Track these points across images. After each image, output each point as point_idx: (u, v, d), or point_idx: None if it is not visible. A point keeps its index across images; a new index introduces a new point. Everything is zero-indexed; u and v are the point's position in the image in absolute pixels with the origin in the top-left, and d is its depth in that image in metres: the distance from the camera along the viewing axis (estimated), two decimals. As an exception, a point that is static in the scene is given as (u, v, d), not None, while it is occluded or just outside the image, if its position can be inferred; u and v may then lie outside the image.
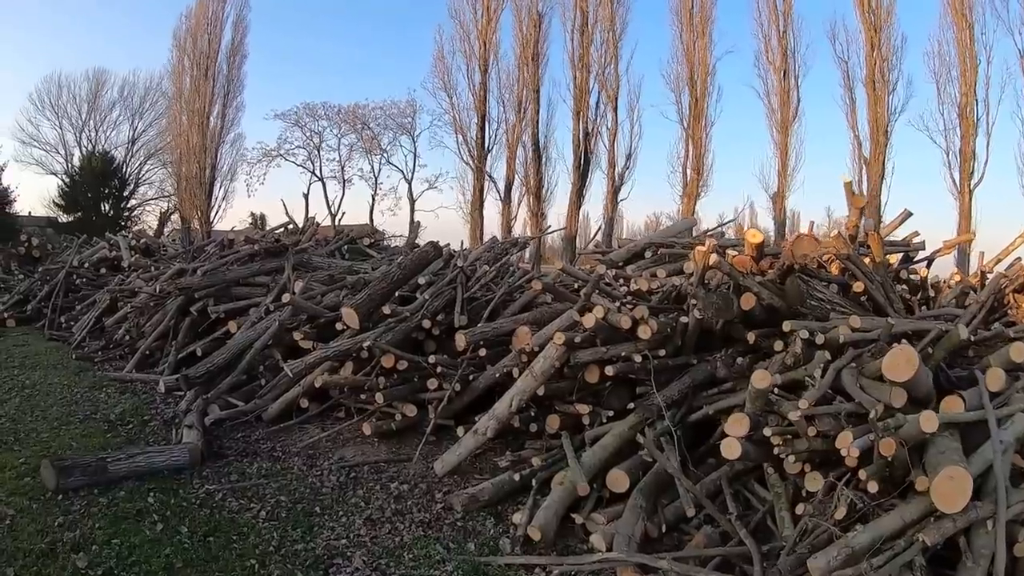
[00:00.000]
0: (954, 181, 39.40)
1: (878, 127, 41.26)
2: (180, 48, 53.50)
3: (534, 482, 6.73)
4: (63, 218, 52.29)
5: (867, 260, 8.95)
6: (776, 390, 6.14)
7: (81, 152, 57.78)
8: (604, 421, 7.43)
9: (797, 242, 9.15)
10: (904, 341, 6.44)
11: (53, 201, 54.88)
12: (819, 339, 6.67)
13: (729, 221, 14.55)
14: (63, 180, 55.79)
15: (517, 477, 6.82)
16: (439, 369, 8.59)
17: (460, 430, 8.03)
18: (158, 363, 11.85)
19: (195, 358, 11.38)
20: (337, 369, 9.14)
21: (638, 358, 7.19)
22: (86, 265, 17.92)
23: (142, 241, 18.77)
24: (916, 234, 11.88)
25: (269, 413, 9.27)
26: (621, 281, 9.77)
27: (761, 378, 5.82)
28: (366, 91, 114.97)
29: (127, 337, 12.82)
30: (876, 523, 4.87)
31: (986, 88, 38.68)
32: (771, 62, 45.03)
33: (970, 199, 38.68)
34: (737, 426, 5.85)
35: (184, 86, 53.26)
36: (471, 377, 8.50)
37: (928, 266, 11.67)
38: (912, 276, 11.37)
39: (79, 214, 52.19)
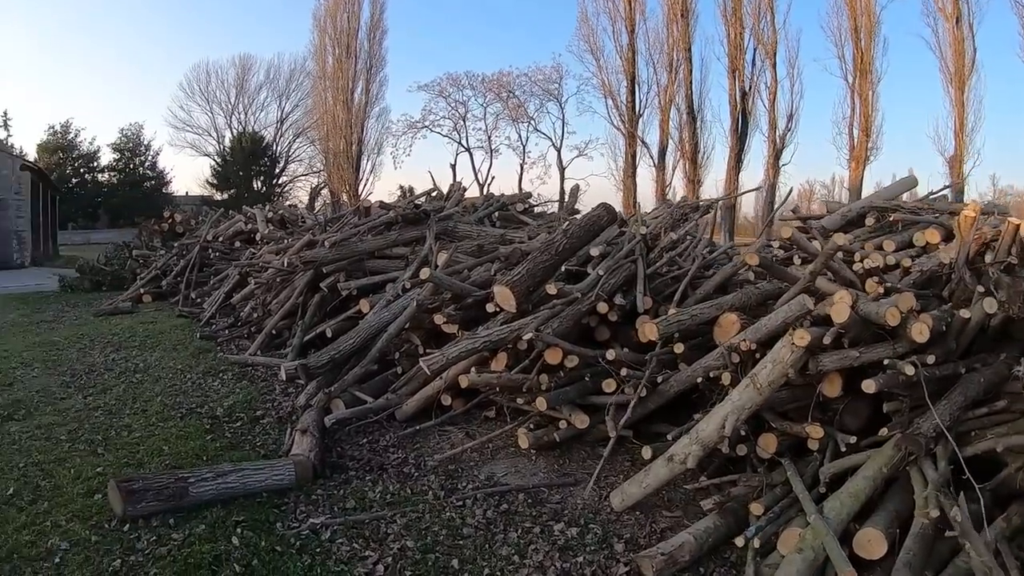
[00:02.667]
0: None
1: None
2: (320, 28, 54.93)
3: (755, 540, 4.77)
4: (217, 196, 56.09)
5: None
6: None
7: (232, 134, 61.70)
8: (843, 450, 5.36)
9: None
10: None
11: (207, 181, 59.79)
12: None
13: (943, 188, 11.70)
14: (215, 161, 59.88)
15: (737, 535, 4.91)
16: (623, 371, 6.72)
17: (646, 451, 6.09)
18: (285, 343, 10.67)
19: (325, 340, 10.12)
20: (487, 362, 7.46)
21: (909, 369, 5.08)
22: (220, 239, 17.32)
23: (278, 212, 17.92)
24: None
25: (404, 411, 7.76)
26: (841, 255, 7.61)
27: None
28: (510, 58, 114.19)
29: (254, 315, 11.75)
30: None
31: None
32: (941, 8, 39.73)
33: None
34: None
35: (327, 64, 54.77)
36: (659, 379, 6.59)
37: None
38: None
39: (232, 192, 55.70)
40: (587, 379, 7.05)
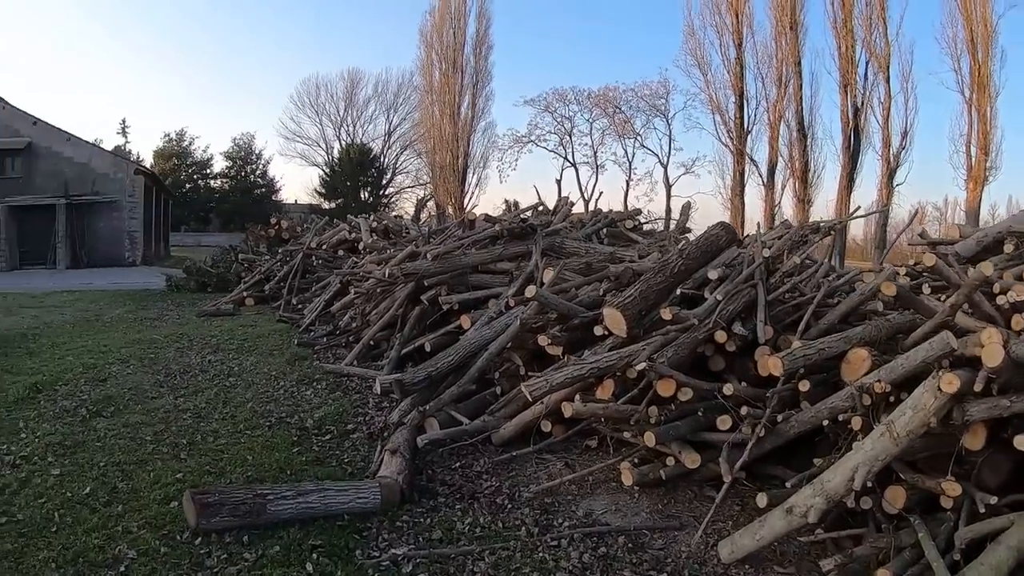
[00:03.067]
0: None
1: None
2: (427, 44, 55.41)
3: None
4: (325, 205, 57.37)
5: None
6: None
7: (340, 145, 63.49)
8: (981, 511, 4.58)
9: None
10: None
11: (315, 190, 61.56)
12: None
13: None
14: (324, 171, 61.60)
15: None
16: (743, 409, 6.05)
17: (761, 499, 5.40)
18: (383, 355, 10.37)
19: (423, 354, 9.76)
20: (592, 388, 6.90)
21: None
22: (324, 247, 17.31)
23: (382, 223, 17.81)
24: None
25: (500, 435, 7.26)
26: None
27: None
28: (616, 74, 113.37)
29: (352, 324, 11.51)
30: None
31: None
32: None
33: None
34: None
35: (434, 79, 55.19)
36: (778, 418, 5.90)
37: None
38: None
39: (340, 201, 56.87)
40: (700, 414, 6.41)
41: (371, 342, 10.50)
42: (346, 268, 14.46)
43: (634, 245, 11.80)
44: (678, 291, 7.61)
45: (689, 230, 14.24)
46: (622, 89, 57.12)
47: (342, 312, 12.53)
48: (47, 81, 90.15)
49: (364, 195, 59.55)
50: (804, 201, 43.67)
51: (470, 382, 7.82)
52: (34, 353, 10.43)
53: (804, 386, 5.97)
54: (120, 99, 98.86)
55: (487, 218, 11.09)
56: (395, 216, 29.61)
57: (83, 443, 6.50)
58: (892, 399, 5.03)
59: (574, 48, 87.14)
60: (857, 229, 53.25)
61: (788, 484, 5.26)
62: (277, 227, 22.68)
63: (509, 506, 5.74)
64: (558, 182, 57.69)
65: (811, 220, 15.64)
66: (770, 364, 6.00)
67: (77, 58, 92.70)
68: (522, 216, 11.22)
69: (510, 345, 7.92)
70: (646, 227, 15.28)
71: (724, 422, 6.15)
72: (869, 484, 4.80)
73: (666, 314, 6.89)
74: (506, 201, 53.15)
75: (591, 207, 16.15)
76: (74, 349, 10.71)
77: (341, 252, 17.15)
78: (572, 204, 13.99)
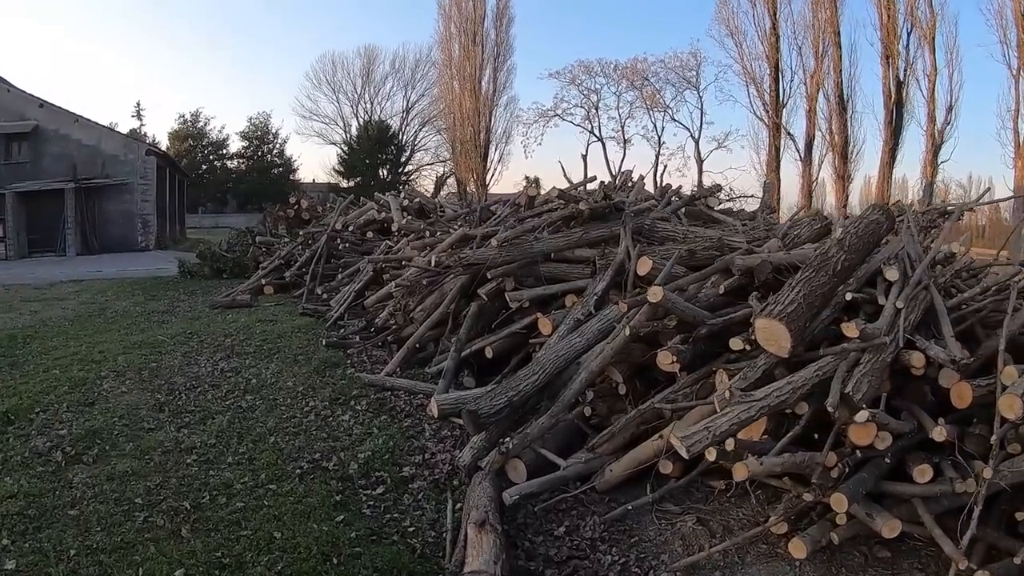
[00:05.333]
0: None
1: None
2: (446, 17, 53.73)
3: None
4: (343, 184, 56.15)
5: None
6: None
7: (358, 123, 61.77)
8: None
9: None
10: None
11: (333, 168, 60.39)
12: None
13: None
14: (342, 149, 60.03)
15: None
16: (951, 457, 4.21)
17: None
18: (430, 359, 8.56)
19: (481, 360, 7.94)
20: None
21: None
22: (350, 228, 15.42)
23: (415, 201, 15.91)
24: None
25: (606, 480, 5.42)
26: None
27: None
28: (644, 45, 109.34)
29: (391, 323, 9.61)
30: None
31: None
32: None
33: None
34: None
35: (453, 52, 53.59)
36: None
37: None
38: None
39: (358, 179, 55.40)
40: (887, 460, 4.60)
41: (417, 345, 8.65)
42: (379, 253, 12.57)
43: (716, 226, 9.85)
44: (848, 295, 5.72)
45: (774, 209, 12.30)
46: (651, 61, 54.30)
47: (378, 306, 10.64)
48: (58, 65, 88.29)
49: (383, 173, 57.79)
50: (844, 177, 41.37)
51: (565, 410, 5.96)
52: (18, 363, 8.64)
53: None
54: (133, 82, 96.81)
55: (561, 195, 9.04)
56: (410, 190, 27.74)
57: (51, 511, 4.69)
58: None
59: (600, 19, 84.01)
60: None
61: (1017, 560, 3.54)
62: (297, 207, 20.85)
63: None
64: (584, 157, 54.76)
65: (934, 202, 13.58)
66: (961, 393, 4.24)
67: (88, 41, 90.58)
68: (605, 192, 9.20)
69: (613, 359, 6.05)
70: (724, 206, 13.25)
71: (923, 472, 4.39)
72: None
73: (851, 329, 5.03)
74: (526, 177, 51.38)
75: (658, 183, 13.99)
76: (64, 357, 8.89)
77: (370, 234, 15.26)
78: (643, 180, 11.97)
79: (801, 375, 4.86)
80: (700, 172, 52.93)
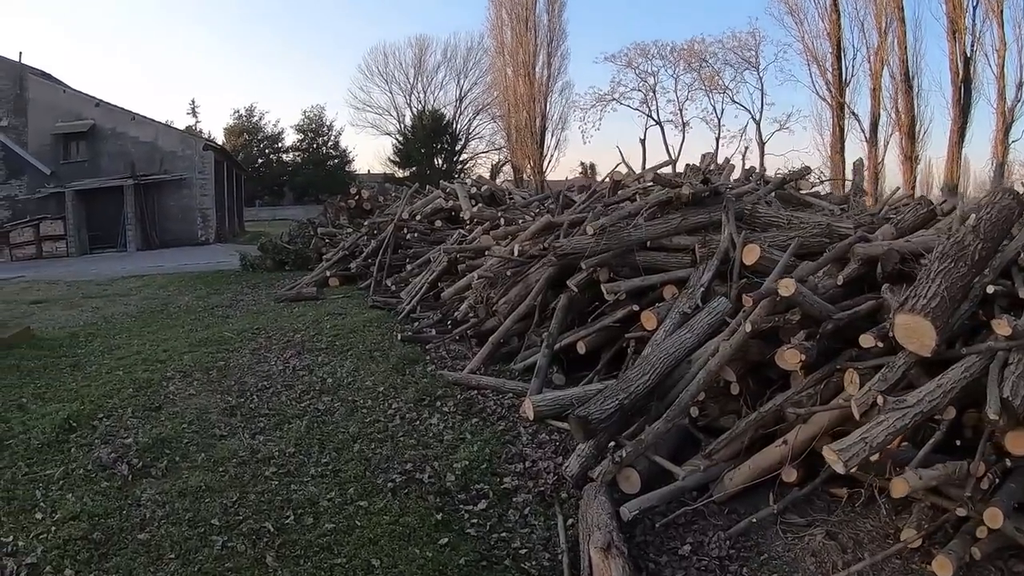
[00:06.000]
0: None
1: None
2: (497, 3, 53.46)
3: None
4: (399, 174, 55.88)
5: None
6: None
7: (411, 113, 61.39)
8: None
9: None
10: None
11: (388, 158, 60.19)
12: None
13: None
14: (396, 139, 59.73)
15: None
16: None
17: None
18: (514, 354, 7.94)
19: (570, 356, 7.28)
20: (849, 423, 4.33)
21: None
22: (418, 217, 14.82)
23: (484, 188, 15.22)
24: None
25: (724, 488, 4.81)
26: None
27: None
28: (702, 26, 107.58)
29: (471, 316, 8.97)
30: None
31: None
32: None
33: None
34: None
35: (505, 39, 53.28)
36: None
37: None
38: None
39: (413, 169, 55.13)
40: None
41: (501, 340, 8.00)
42: (453, 242, 11.96)
43: (819, 211, 9.02)
44: (990, 288, 5.05)
45: (864, 192, 11.38)
46: (709, 41, 53.16)
47: (456, 299, 10.01)
48: (112, 65, 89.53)
49: (438, 162, 57.38)
50: (911, 158, 39.48)
51: (682, 413, 5.27)
52: (80, 364, 8.19)
53: None
54: (189, 81, 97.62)
55: (656, 178, 8.21)
56: (476, 178, 27.11)
57: (119, 535, 4.14)
58: None
59: (655, 1, 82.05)
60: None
61: None
62: (357, 197, 20.36)
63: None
64: (642, 141, 54.58)
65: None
66: None
67: (142, 42, 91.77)
68: (705, 176, 8.38)
69: (732, 357, 5.34)
70: (814, 189, 12.33)
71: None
72: None
73: (1003, 327, 4.42)
74: (582, 164, 50.76)
75: (743, 165, 13.06)
76: (128, 356, 8.43)
77: (439, 223, 14.62)
78: (732, 165, 11.12)
79: (949, 376, 4.34)
80: (762, 155, 51.45)
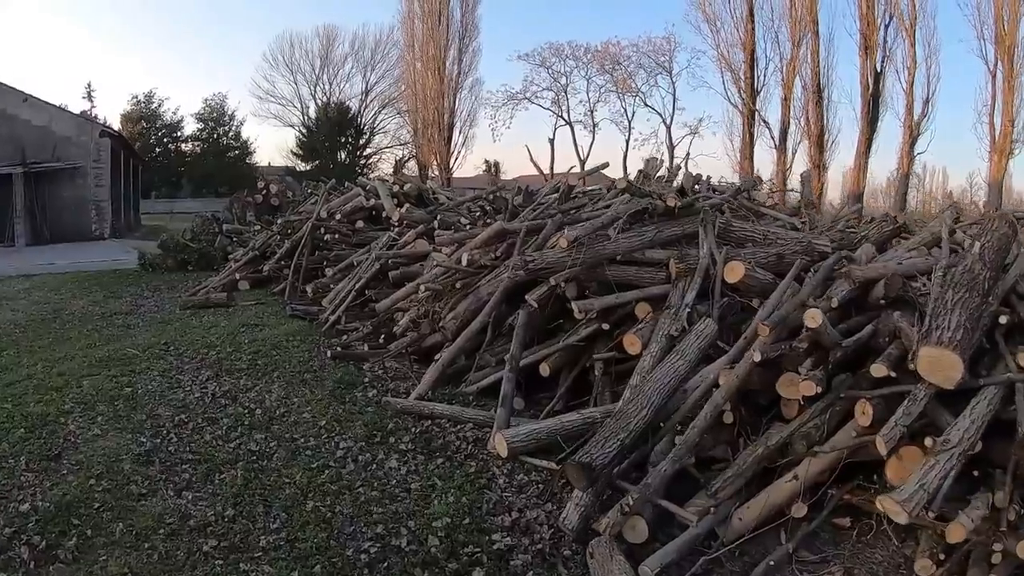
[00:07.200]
0: None
1: None
2: None
3: None
4: (301, 167, 54.44)
5: None
6: None
7: (316, 105, 59.64)
8: None
9: None
10: None
11: (291, 151, 58.12)
12: None
13: None
14: (300, 131, 58.04)
15: None
16: None
17: None
18: (464, 374, 7.17)
19: (534, 377, 6.55)
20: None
21: None
22: (338, 216, 13.69)
23: (408, 187, 14.16)
24: None
25: (734, 529, 4.38)
26: None
27: None
28: (617, 29, 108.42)
29: (411, 331, 8.03)
30: None
31: None
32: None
33: None
34: None
35: (416, 32, 52.68)
36: None
37: None
38: None
39: (316, 163, 53.67)
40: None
41: (449, 363, 7.14)
42: (383, 246, 10.97)
43: (761, 220, 8.49)
44: (1003, 318, 5.10)
45: (813, 204, 11.02)
46: (623, 44, 54.11)
47: (393, 312, 9.02)
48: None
49: (342, 156, 56.01)
50: (819, 166, 40.81)
51: (689, 452, 4.58)
52: (-44, 392, 6.87)
53: None
54: (83, 63, 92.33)
55: (629, 187, 7.36)
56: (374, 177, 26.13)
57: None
58: None
59: (572, 1, 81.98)
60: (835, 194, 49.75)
61: None
62: (265, 192, 19.14)
63: None
64: (551, 142, 54.90)
65: None
66: None
67: (35, 19, 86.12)
68: (682, 187, 7.66)
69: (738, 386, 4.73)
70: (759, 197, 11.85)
71: None
72: None
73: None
74: (486, 161, 50.27)
75: (684, 170, 12.39)
76: (17, 382, 7.07)
77: (360, 223, 13.56)
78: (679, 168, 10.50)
79: (977, 411, 4.37)
80: (671, 159, 52.29)
